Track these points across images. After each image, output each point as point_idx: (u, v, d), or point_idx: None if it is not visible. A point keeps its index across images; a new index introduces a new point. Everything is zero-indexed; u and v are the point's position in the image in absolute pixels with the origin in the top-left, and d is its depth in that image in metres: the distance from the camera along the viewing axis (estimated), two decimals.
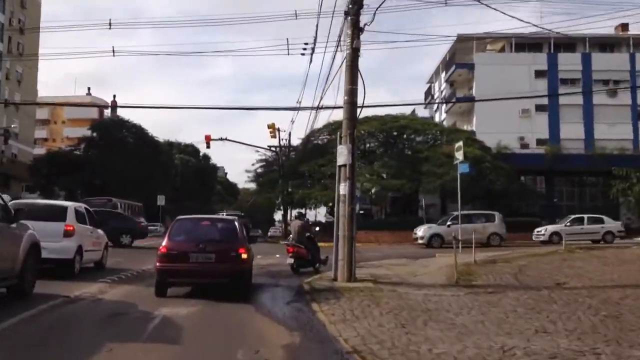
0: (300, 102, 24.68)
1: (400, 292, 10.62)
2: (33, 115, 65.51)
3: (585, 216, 31.77)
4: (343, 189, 11.88)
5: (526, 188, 40.44)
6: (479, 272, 13.78)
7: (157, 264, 9.84)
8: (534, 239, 30.79)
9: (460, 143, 20.01)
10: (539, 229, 31.38)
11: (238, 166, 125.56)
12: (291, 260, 15.22)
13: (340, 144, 12.12)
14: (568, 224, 31.05)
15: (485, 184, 35.55)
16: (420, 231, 29.66)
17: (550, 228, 31.21)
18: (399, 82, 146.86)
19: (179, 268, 9.68)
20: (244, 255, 9.98)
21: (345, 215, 11.76)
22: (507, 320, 7.97)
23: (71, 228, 11.68)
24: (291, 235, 16.13)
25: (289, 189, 41.14)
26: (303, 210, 47.38)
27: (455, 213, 30.55)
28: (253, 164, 53.43)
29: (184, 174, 71.16)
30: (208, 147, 37.59)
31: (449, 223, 28.19)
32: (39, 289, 9.40)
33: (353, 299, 9.63)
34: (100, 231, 14.05)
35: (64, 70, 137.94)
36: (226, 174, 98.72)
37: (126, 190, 55.15)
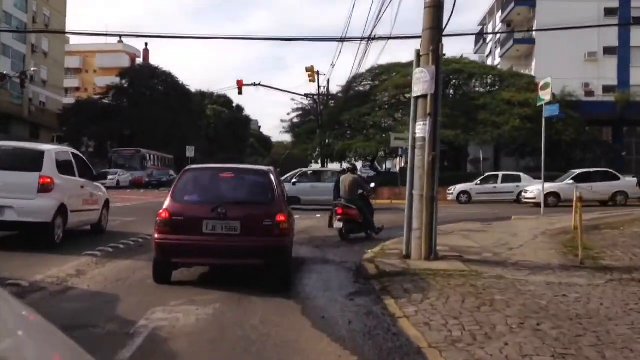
0: (345, 37, 20.89)
1: (509, 278, 7.27)
2: (62, 62, 62.94)
3: (500, 174, 28.41)
4: (421, 129, 8.41)
5: (597, 140, 36.01)
6: (594, 245, 10.30)
7: (155, 235, 6.60)
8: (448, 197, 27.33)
9: (548, 80, 16.12)
10: (449, 188, 27.61)
11: (272, 120, 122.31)
12: (339, 224, 11.99)
13: (418, 66, 8.60)
14: (479, 182, 27.69)
15: (551, 134, 31.43)
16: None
17: (459, 187, 27.64)
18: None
19: (188, 242, 6.48)
20: (284, 224, 6.65)
21: (423, 166, 8.34)
22: None
23: (49, 180, 8.51)
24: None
25: (328, 140, 37.58)
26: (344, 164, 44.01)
27: (303, 170, 24.66)
28: (288, 113, 49.87)
29: (217, 126, 68.44)
30: (240, 93, 34.23)
31: (294, 181, 21.86)
32: None
33: (447, 293, 6.33)
34: (98, 184, 10.95)
35: (95, 21, 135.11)
36: (260, 127, 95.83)
37: (157, 140, 52.79)
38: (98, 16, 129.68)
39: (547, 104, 16.25)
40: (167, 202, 6.74)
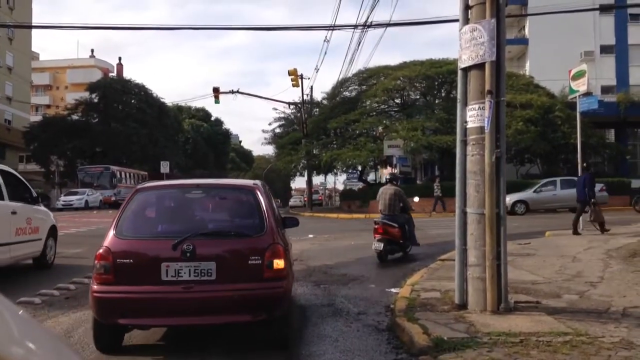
0: (334, 26, 18.16)
1: None
2: (28, 79, 59.56)
3: None
4: (477, 115, 5.63)
5: (605, 143, 33.64)
6: None
7: (94, 286, 4.56)
8: None
9: (583, 67, 13.68)
10: None
11: (253, 135, 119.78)
12: (379, 246, 9.91)
13: (467, 22, 5.86)
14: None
15: (556, 137, 29.03)
16: None
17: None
18: (417, 48, 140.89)
19: (140, 297, 4.50)
20: (279, 262, 4.57)
21: (482, 170, 5.55)
22: None
23: None
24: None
25: (314, 151, 34.76)
26: (326, 177, 41.06)
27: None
28: (270, 123, 47.10)
29: (196, 141, 65.32)
30: (217, 101, 31.51)
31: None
32: None
33: None
34: (39, 208, 8.23)
35: (71, 38, 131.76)
36: (240, 141, 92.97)
37: (132, 158, 49.62)
38: (69, 32, 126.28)
39: (581, 95, 13.68)
40: (108, 238, 4.67)
